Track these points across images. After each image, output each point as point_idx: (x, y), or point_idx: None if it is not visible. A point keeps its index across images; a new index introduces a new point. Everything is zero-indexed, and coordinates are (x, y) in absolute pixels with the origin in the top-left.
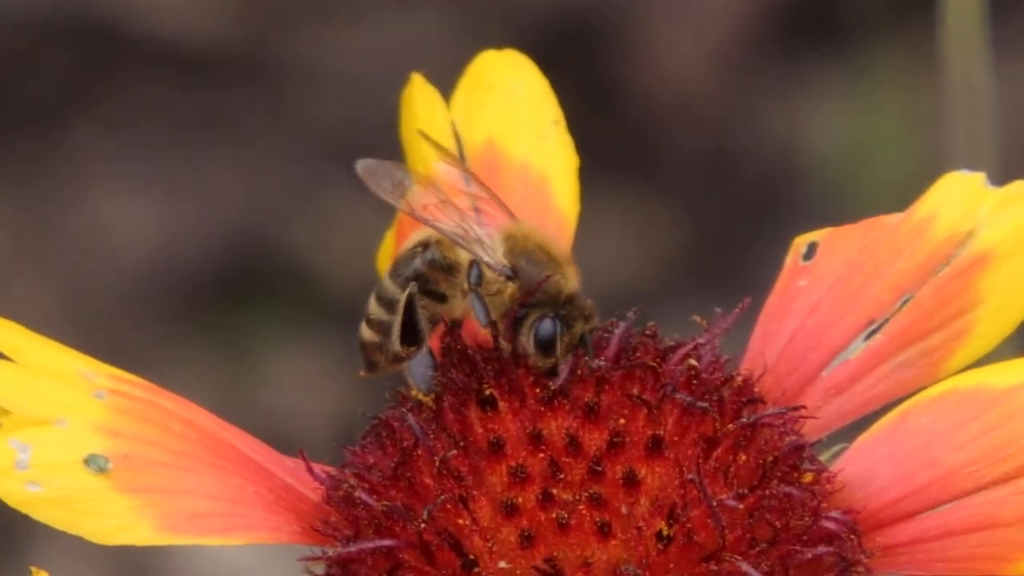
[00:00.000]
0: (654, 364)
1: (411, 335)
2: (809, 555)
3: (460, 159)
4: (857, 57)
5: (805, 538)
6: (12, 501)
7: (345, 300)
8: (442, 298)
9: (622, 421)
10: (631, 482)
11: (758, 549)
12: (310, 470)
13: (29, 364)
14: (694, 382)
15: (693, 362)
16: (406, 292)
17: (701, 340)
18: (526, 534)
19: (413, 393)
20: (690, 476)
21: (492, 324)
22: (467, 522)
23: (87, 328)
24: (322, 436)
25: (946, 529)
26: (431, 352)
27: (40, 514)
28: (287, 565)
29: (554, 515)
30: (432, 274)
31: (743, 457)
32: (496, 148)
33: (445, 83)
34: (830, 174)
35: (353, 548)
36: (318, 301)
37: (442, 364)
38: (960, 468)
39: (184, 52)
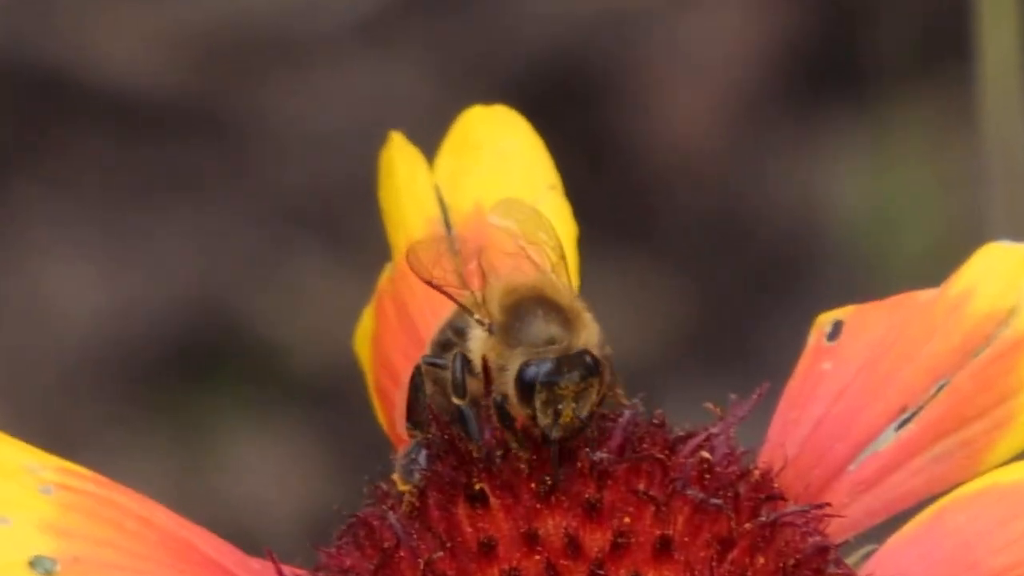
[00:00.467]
0: (662, 457)
1: (413, 414)
2: None
3: (446, 227)
4: (880, 109)
5: None
6: None
7: (313, 379)
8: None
9: (627, 520)
10: None
11: None
12: (280, 573)
13: None
14: (707, 476)
15: (706, 454)
16: (415, 365)
17: (714, 429)
18: None
19: (393, 478)
20: None
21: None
22: None
23: (25, 409)
24: (288, 531)
25: None
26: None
27: None
28: None
29: None
30: (456, 340)
31: (761, 560)
32: (486, 215)
33: (425, 141)
34: (851, 240)
35: None
36: (283, 380)
37: (430, 456)
38: (1002, 572)
39: (135, 104)
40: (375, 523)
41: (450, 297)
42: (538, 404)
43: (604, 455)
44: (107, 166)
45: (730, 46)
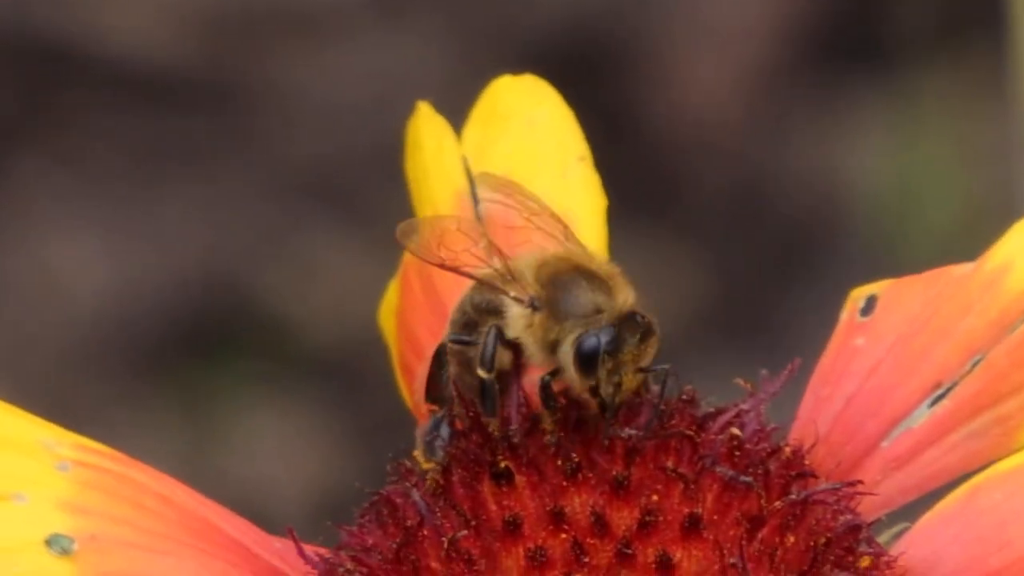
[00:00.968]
0: (691, 433)
1: (434, 392)
2: None
3: (473, 200)
4: (904, 81)
5: None
6: None
7: (325, 355)
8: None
9: (655, 497)
10: (665, 566)
11: None
12: (301, 552)
13: None
14: (736, 454)
15: (736, 431)
16: (439, 343)
17: (744, 406)
18: None
19: (416, 455)
20: (732, 560)
21: (492, 415)
22: None
23: (29, 386)
24: (299, 511)
25: None
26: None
27: None
28: None
29: None
30: (480, 318)
31: (792, 539)
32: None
33: (441, 110)
34: (873, 215)
35: None
36: (294, 356)
37: (453, 432)
38: None
39: (143, 76)
40: (398, 501)
41: (469, 276)
42: (603, 374)
43: (632, 431)
44: (113, 139)
45: (751, 18)
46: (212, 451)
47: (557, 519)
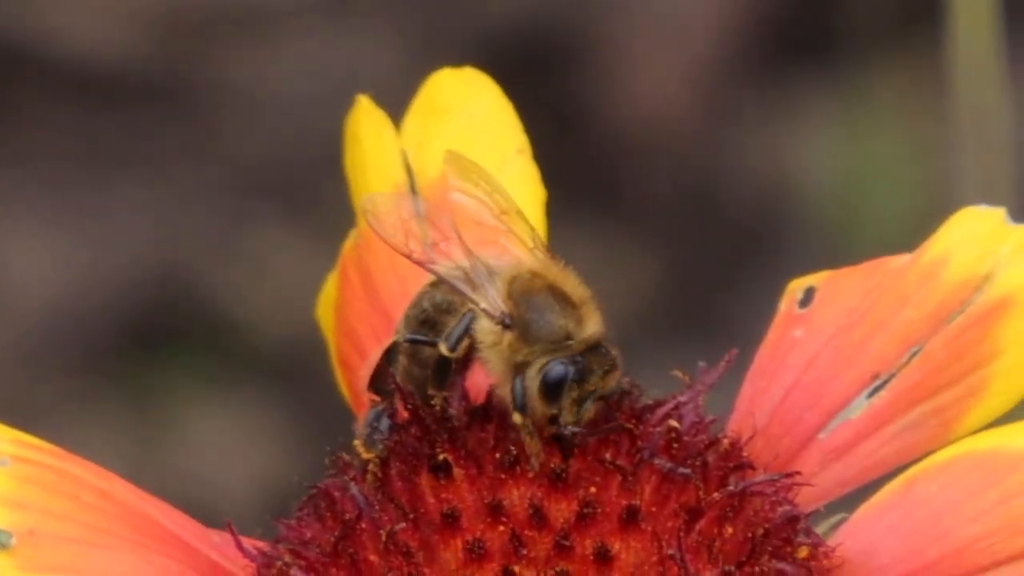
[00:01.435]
0: (630, 426)
1: (377, 384)
2: None
3: (412, 193)
4: (853, 76)
5: None
6: None
7: (273, 353)
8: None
9: (593, 490)
10: (603, 558)
11: None
12: (239, 546)
13: None
14: (675, 446)
15: (674, 423)
16: (390, 340)
17: (682, 398)
18: None
19: (355, 444)
20: (670, 551)
21: (441, 391)
22: None
23: None
24: (249, 507)
25: None
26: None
27: None
28: None
29: None
30: (440, 317)
31: (730, 530)
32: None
33: (390, 110)
34: (823, 208)
35: None
36: (243, 354)
37: (393, 424)
38: (975, 542)
39: (92, 73)
40: (336, 494)
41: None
42: (566, 404)
43: (573, 428)
44: (61, 136)
45: (702, 12)
46: (160, 447)
47: (495, 511)
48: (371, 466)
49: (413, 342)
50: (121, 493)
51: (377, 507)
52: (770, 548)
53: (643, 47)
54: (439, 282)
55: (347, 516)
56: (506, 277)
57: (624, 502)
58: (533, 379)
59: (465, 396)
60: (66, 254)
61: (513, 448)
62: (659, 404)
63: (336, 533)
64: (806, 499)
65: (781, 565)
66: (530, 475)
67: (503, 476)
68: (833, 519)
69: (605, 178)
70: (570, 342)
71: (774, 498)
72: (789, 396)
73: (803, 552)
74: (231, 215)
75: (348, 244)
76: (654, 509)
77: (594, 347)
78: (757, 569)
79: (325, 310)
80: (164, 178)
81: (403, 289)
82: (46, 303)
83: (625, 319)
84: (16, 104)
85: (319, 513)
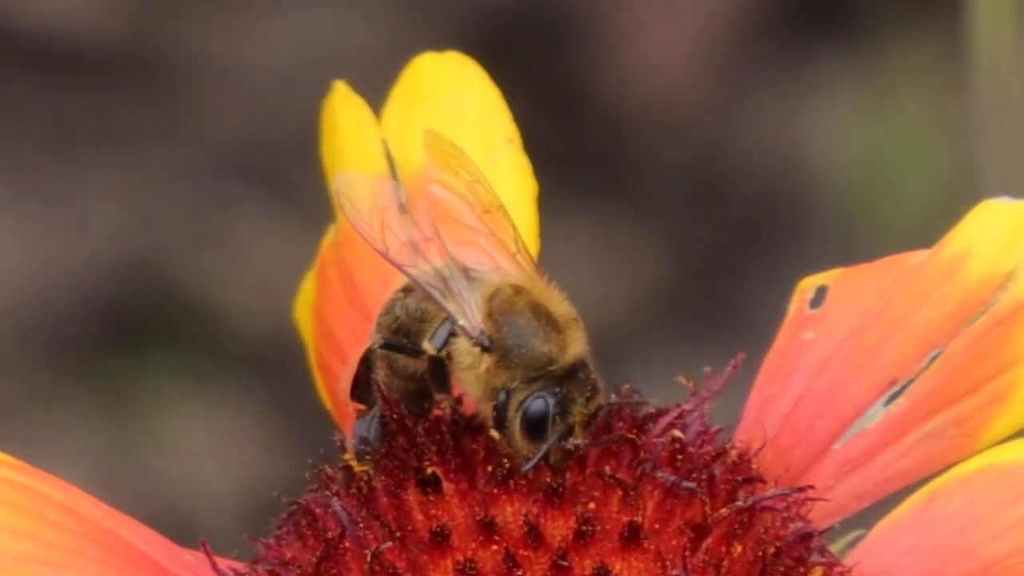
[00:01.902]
0: (632, 436)
1: (360, 392)
2: None
3: (394, 185)
4: (872, 52)
5: None
6: None
7: (255, 346)
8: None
9: (592, 505)
10: None
11: None
12: (214, 567)
13: None
14: (679, 457)
15: (678, 433)
16: (365, 347)
17: (687, 406)
18: None
19: (346, 457)
20: (675, 572)
21: (447, 391)
22: None
23: None
24: (228, 511)
25: None
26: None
27: None
28: None
29: None
30: (413, 325)
31: (739, 548)
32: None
33: (375, 89)
34: (839, 192)
35: None
36: (222, 347)
37: (383, 434)
38: (1000, 560)
39: (61, 50)
40: (318, 511)
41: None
42: (551, 439)
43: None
44: (30, 116)
45: None
46: (135, 448)
47: (488, 529)
48: (365, 477)
49: (388, 348)
50: (87, 510)
51: (362, 524)
52: (782, 568)
53: (647, 17)
54: (413, 287)
55: (330, 534)
56: (486, 290)
57: (625, 519)
58: (513, 418)
59: (459, 402)
60: (33, 242)
61: (506, 460)
62: (662, 413)
63: (318, 553)
64: (820, 515)
65: None
66: (525, 490)
67: (496, 491)
68: (849, 536)
69: (606, 160)
70: (552, 368)
71: (786, 514)
72: (800, 403)
73: (817, 573)
74: (208, 199)
75: (327, 241)
76: (657, 526)
77: (574, 371)
78: None
79: (303, 313)
80: (136, 160)
81: (386, 289)
82: (11, 294)
83: (629, 310)
84: None
85: (300, 531)
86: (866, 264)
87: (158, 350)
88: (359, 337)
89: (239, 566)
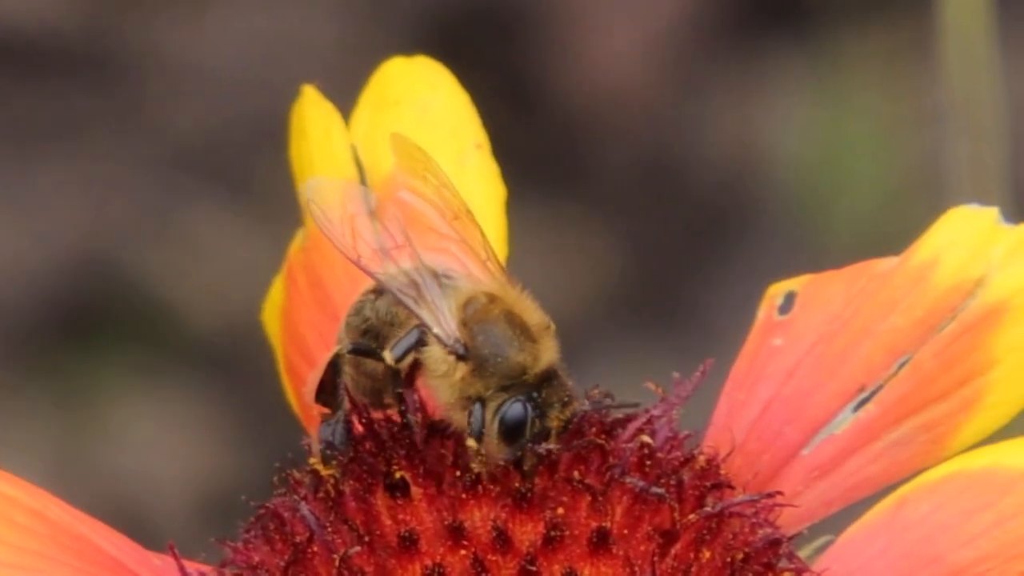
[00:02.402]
0: (601, 441)
1: (325, 396)
2: None
3: (363, 191)
4: (826, 47)
5: None
6: None
7: (209, 341)
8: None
9: (561, 511)
10: None
11: None
12: (182, 570)
13: None
14: (648, 463)
15: (647, 438)
16: (333, 351)
17: (655, 411)
18: None
19: (312, 462)
20: None
21: (399, 396)
22: None
23: None
24: (181, 509)
25: None
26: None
27: None
28: None
29: None
30: (383, 329)
31: (707, 554)
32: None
33: (330, 83)
34: (794, 187)
35: None
36: (176, 342)
37: (349, 439)
38: (969, 567)
39: (15, 42)
40: (286, 515)
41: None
42: (527, 444)
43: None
44: None
45: None
46: (87, 443)
47: (456, 534)
48: (332, 481)
49: (356, 353)
50: (56, 513)
51: (330, 529)
52: (750, 574)
53: (601, 13)
54: (384, 291)
55: (298, 539)
56: (460, 298)
57: (594, 524)
58: (491, 422)
59: (422, 408)
60: None
61: (475, 465)
62: (631, 418)
63: (286, 557)
64: (788, 520)
65: None
66: (493, 495)
67: (464, 496)
68: (818, 542)
69: (561, 156)
70: (526, 376)
71: (754, 520)
72: (769, 409)
73: None
74: (162, 194)
75: (295, 246)
76: (626, 532)
77: (547, 379)
78: None
79: (271, 316)
80: (90, 155)
81: (356, 293)
82: None
83: (585, 306)
84: None
85: (267, 535)
86: (835, 271)
87: (111, 344)
88: (327, 341)
89: (207, 569)
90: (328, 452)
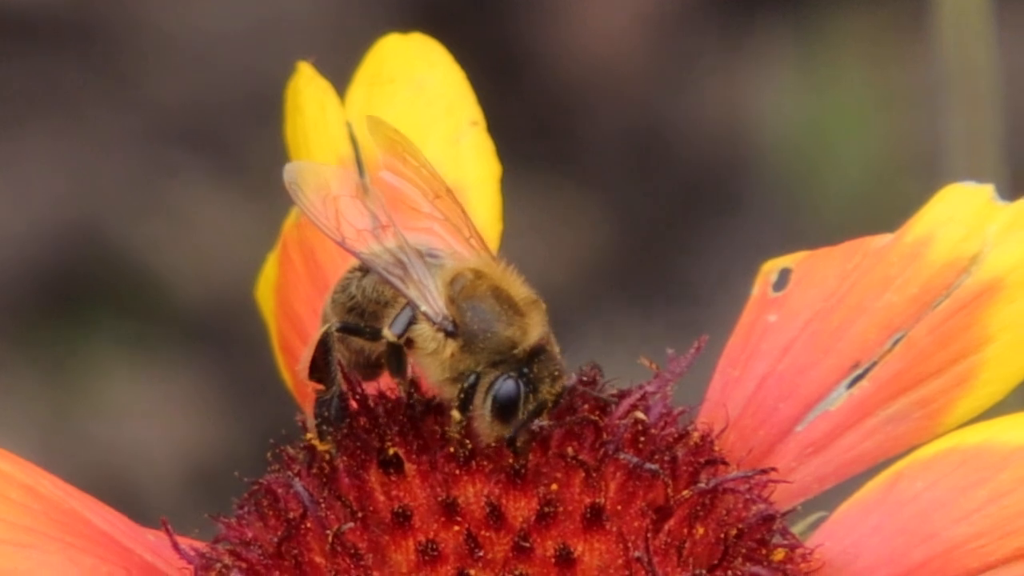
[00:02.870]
0: (594, 417)
1: (319, 373)
2: None
3: (358, 168)
4: (814, 20)
5: None
6: None
7: (198, 313)
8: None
9: (554, 487)
10: (565, 561)
11: None
12: (176, 546)
13: None
14: (641, 439)
15: (640, 415)
16: (322, 329)
17: (649, 387)
18: None
19: (308, 437)
20: (637, 553)
21: (403, 376)
22: None
23: None
24: (170, 480)
25: None
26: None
27: None
28: None
29: None
30: (369, 307)
31: (701, 530)
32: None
33: (323, 52)
34: (782, 159)
35: None
36: (165, 314)
37: (344, 414)
38: (964, 543)
39: (2, 14)
40: (279, 491)
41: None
42: (520, 421)
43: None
44: None
45: None
46: (76, 416)
47: (450, 510)
48: (324, 460)
49: (346, 331)
50: (48, 489)
51: (323, 505)
52: (744, 550)
53: None
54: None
55: (291, 515)
56: (446, 275)
57: (587, 500)
58: (483, 401)
59: (415, 385)
60: None
61: (468, 441)
62: (624, 394)
63: (280, 533)
64: (782, 497)
65: (755, 568)
66: (487, 471)
67: (458, 472)
68: (811, 518)
69: (549, 128)
70: (515, 351)
71: (748, 496)
72: (763, 386)
73: (779, 554)
74: (150, 166)
75: (289, 222)
76: (620, 508)
77: (537, 353)
78: (730, 573)
79: (265, 293)
80: (79, 127)
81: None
82: None
83: (572, 278)
84: None
85: (261, 511)
86: (830, 247)
87: (100, 318)
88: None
89: (200, 545)
90: (324, 428)
